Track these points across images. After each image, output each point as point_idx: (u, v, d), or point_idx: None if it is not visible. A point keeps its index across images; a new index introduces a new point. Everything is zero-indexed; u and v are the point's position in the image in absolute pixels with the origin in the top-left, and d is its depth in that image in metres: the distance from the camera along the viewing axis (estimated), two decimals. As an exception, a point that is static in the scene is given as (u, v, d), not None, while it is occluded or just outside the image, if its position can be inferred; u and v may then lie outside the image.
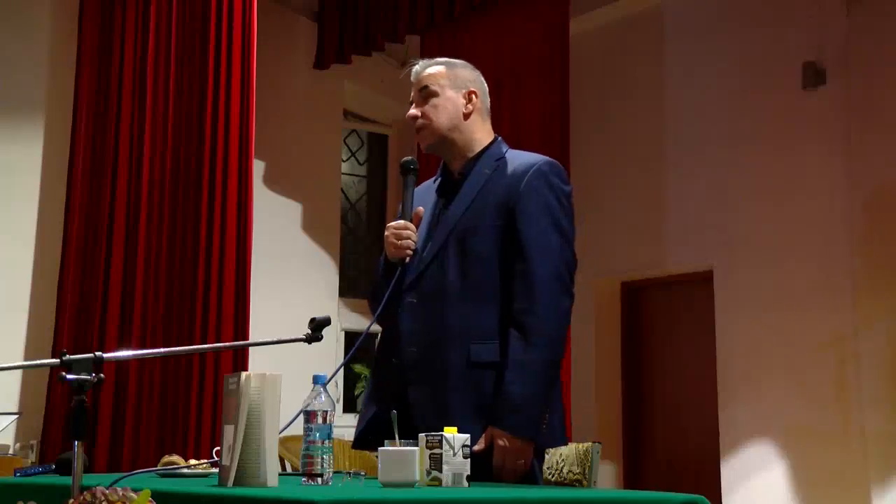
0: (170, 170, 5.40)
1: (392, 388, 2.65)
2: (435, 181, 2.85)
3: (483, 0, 5.87)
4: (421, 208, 2.73)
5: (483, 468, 2.46)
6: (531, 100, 5.78)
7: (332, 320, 2.42)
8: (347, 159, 7.51)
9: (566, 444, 2.73)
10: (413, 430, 2.29)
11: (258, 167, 6.24)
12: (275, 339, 2.51)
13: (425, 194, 2.80)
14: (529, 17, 5.85)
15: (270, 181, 6.62)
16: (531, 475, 2.55)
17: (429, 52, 6.14)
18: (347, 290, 7.14)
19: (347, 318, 7.05)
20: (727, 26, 6.35)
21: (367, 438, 2.63)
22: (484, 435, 2.51)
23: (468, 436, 2.19)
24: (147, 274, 5.32)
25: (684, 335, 6.55)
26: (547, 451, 2.72)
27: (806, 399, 5.67)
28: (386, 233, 2.70)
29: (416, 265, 2.67)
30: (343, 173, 7.32)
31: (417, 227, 2.70)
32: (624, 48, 6.89)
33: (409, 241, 2.66)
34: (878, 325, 5.48)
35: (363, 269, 7.36)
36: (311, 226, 6.83)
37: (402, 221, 2.69)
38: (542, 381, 2.53)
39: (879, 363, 5.45)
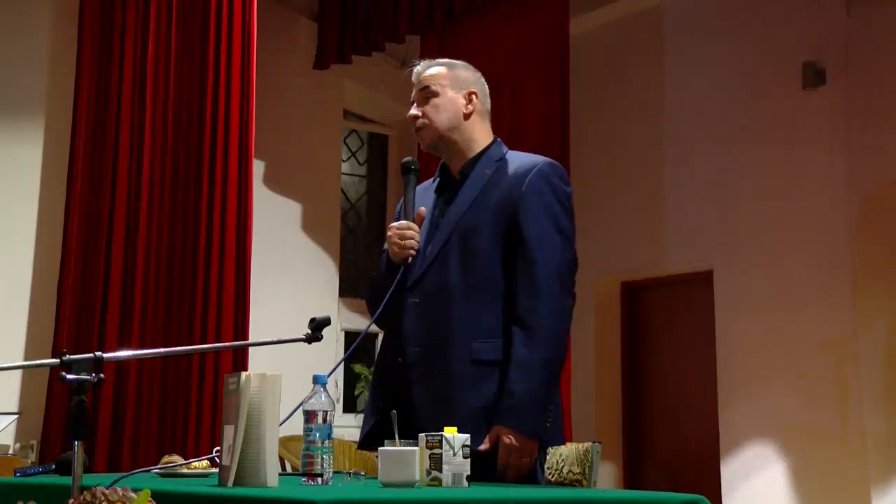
0: (170, 170, 5.41)
1: (396, 387, 2.65)
2: (433, 181, 2.86)
3: (483, 0, 5.87)
4: (423, 208, 2.73)
5: (487, 467, 2.46)
6: (531, 100, 5.78)
7: (331, 320, 2.42)
8: (347, 159, 7.51)
9: (565, 442, 2.74)
10: (417, 430, 2.28)
11: (258, 167, 6.24)
12: (275, 339, 2.51)
13: (424, 195, 2.81)
14: (529, 17, 5.85)
15: (270, 181, 6.62)
16: (533, 473, 2.56)
17: (429, 52, 6.15)
18: (347, 290, 7.14)
19: (347, 318, 7.05)
20: (727, 26, 6.34)
21: (375, 436, 2.61)
22: (489, 434, 2.52)
23: (468, 436, 2.18)
24: (147, 274, 5.32)
25: (684, 335, 6.54)
26: (548, 450, 2.71)
27: (806, 399, 5.66)
28: (388, 233, 2.71)
29: (419, 265, 2.68)
30: (343, 173, 7.32)
31: (420, 227, 2.71)
32: (624, 48, 6.88)
33: (413, 241, 2.67)
34: (877, 325, 5.48)
35: (363, 269, 7.35)
36: (311, 226, 6.82)
37: (404, 222, 2.70)
38: (545, 380, 2.56)
39: (879, 363, 5.45)
